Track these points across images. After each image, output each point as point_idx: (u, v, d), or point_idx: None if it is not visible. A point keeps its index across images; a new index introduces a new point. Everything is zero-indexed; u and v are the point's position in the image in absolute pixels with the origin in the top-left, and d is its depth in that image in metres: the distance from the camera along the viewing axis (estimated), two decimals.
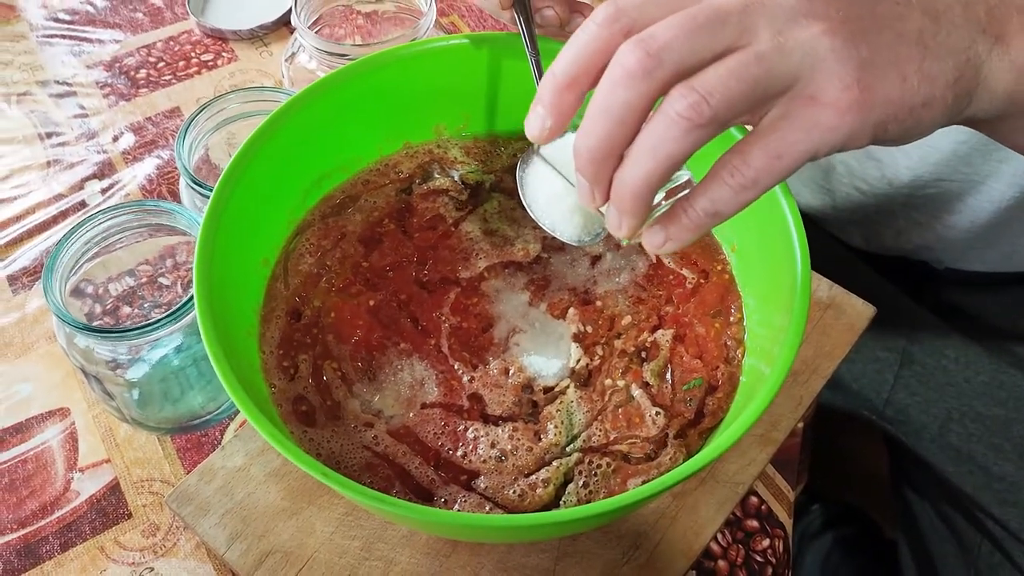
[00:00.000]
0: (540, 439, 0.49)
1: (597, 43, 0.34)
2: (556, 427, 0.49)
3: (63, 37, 0.87)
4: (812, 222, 0.85)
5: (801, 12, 0.33)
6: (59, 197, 0.74)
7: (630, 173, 0.34)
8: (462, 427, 0.49)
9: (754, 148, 0.34)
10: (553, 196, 0.47)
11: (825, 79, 0.33)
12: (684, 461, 0.47)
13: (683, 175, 0.40)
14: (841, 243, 0.86)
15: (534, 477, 0.47)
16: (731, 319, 0.52)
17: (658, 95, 0.33)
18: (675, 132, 0.32)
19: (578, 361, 0.51)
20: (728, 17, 0.33)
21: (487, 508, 0.46)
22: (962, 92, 0.36)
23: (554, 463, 0.48)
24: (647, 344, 0.52)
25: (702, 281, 0.54)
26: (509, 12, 0.50)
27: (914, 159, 0.73)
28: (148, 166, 0.76)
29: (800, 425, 0.59)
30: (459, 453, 0.48)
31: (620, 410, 0.50)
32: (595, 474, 0.47)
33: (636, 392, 0.50)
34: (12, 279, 0.69)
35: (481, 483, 0.47)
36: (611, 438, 0.49)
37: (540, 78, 0.50)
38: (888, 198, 0.78)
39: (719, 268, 0.54)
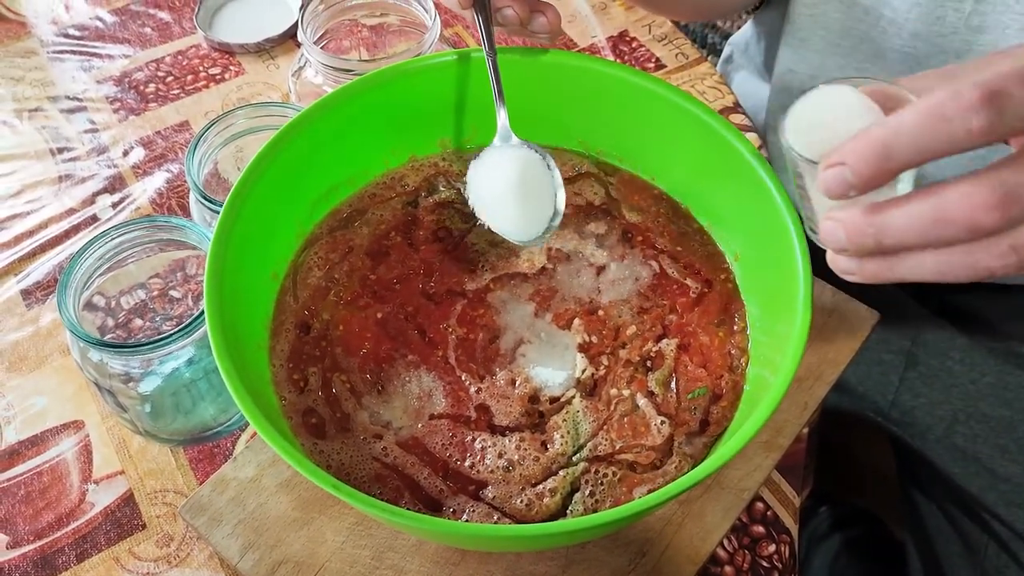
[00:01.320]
0: (547, 449, 0.49)
1: (955, 148, 0.31)
2: (562, 437, 0.50)
3: (73, 53, 0.88)
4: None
5: None
6: (71, 212, 0.75)
7: (902, 270, 0.33)
8: (470, 438, 0.50)
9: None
10: (498, 196, 0.49)
11: None
12: (689, 469, 0.48)
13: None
14: None
15: (541, 487, 0.48)
16: (735, 328, 0.53)
17: None
18: (968, 275, 0.32)
19: (583, 371, 0.52)
20: None
21: (495, 518, 0.47)
22: None
23: (561, 472, 0.48)
24: (652, 354, 0.52)
25: (706, 290, 0.55)
26: (469, 11, 0.50)
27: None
28: (158, 180, 0.77)
29: (805, 431, 0.60)
30: (467, 463, 0.49)
31: (625, 419, 0.50)
32: (601, 483, 0.48)
33: (641, 401, 0.51)
34: (26, 293, 0.70)
35: (489, 493, 0.48)
36: (617, 447, 0.49)
37: (495, 76, 0.52)
38: None
39: (722, 277, 0.55)
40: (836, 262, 0.36)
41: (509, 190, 0.52)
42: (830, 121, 0.36)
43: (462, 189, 0.51)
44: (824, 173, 0.33)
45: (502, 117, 0.53)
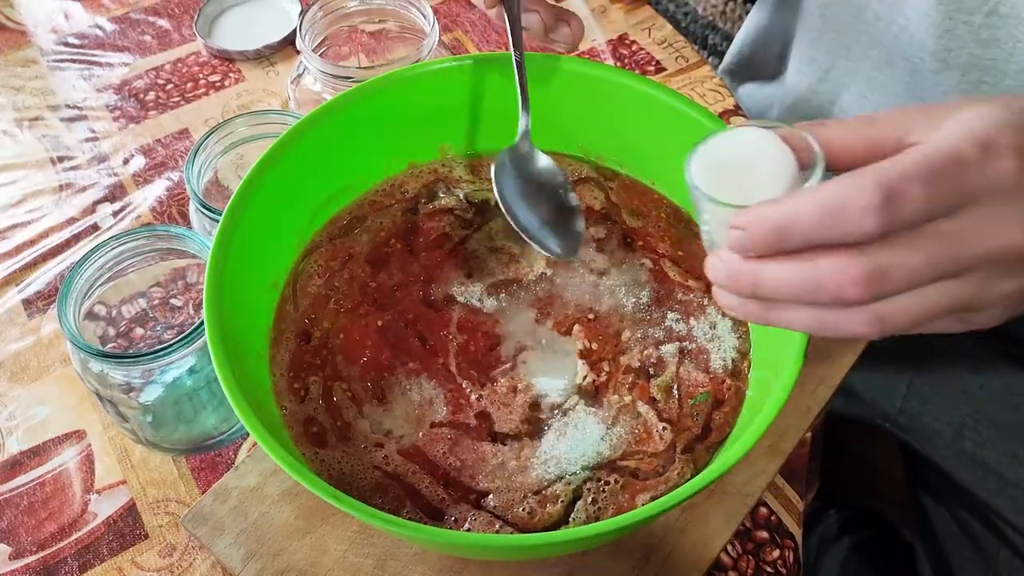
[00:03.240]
0: (548, 456, 0.49)
1: (845, 240, 0.33)
2: (564, 444, 0.49)
3: (73, 61, 0.88)
4: None
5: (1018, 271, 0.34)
6: (72, 221, 0.75)
7: (781, 319, 0.35)
8: (471, 445, 0.49)
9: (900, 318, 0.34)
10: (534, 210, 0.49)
11: (990, 317, 0.36)
12: (692, 476, 0.47)
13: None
14: None
15: (543, 494, 0.48)
16: (737, 332, 0.53)
17: None
18: (839, 331, 0.34)
19: (584, 378, 0.52)
20: (960, 269, 0.33)
21: (497, 526, 0.47)
22: None
23: (563, 480, 0.48)
24: (653, 359, 0.52)
25: (707, 295, 0.55)
26: (496, 10, 0.50)
27: None
28: (158, 188, 0.77)
29: (808, 435, 0.59)
30: (468, 472, 0.49)
31: (627, 426, 0.50)
32: (604, 491, 0.48)
33: (643, 408, 0.50)
34: (27, 303, 0.70)
35: (491, 501, 0.48)
36: (619, 454, 0.49)
37: (520, 78, 0.51)
38: None
39: None
40: (719, 296, 0.38)
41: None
42: (739, 162, 0.38)
43: (493, 193, 0.49)
44: (729, 232, 0.35)
45: (524, 121, 0.52)
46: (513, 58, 0.51)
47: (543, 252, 0.50)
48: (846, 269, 0.32)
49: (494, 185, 0.51)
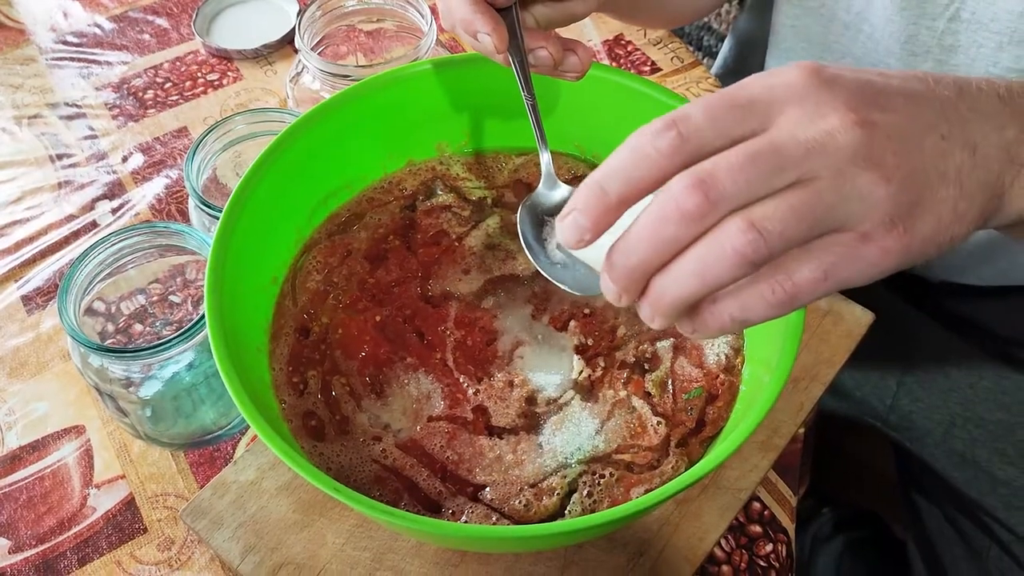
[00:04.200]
0: (544, 450, 0.50)
1: (654, 171, 0.33)
2: (560, 438, 0.50)
3: (72, 59, 0.89)
4: None
5: (860, 156, 0.33)
6: (71, 218, 0.75)
7: (672, 288, 0.34)
8: (468, 439, 0.50)
9: (804, 266, 0.33)
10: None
11: (877, 222, 0.33)
12: (686, 469, 0.48)
13: None
14: None
15: (539, 487, 0.48)
16: None
17: (708, 228, 0.33)
18: (727, 264, 0.32)
19: (580, 372, 0.52)
20: (788, 162, 0.32)
21: (494, 519, 0.47)
22: (983, 223, 0.37)
23: (558, 473, 0.49)
24: (648, 355, 0.53)
25: None
26: (504, 55, 0.50)
27: None
28: (157, 185, 0.77)
29: (801, 431, 0.60)
30: (465, 465, 0.49)
31: (623, 420, 0.51)
32: (599, 484, 0.48)
33: (638, 402, 0.51)
34: (26, 299, 0.70)
35: (487, 494, 0.48)
36: (614, 448, 0.50)
37: (536, 119, 0.50)
38: None
39: None
40: (642, 311, 0.37)
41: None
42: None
43: (520, 236, 0.48)
44: (560, 224, 0.35)
45: (545, 160, 0.50)
46: (526, 102, 0.50)
47: (571, 292, 0.46)
48: (673, 186, 0.32)
49: (519, 230, 0.49)
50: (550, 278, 0.45)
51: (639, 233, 0.33)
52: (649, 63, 0.89)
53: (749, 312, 0.34)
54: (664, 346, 0.53)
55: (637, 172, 0.33)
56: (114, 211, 0.76)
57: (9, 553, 0.57)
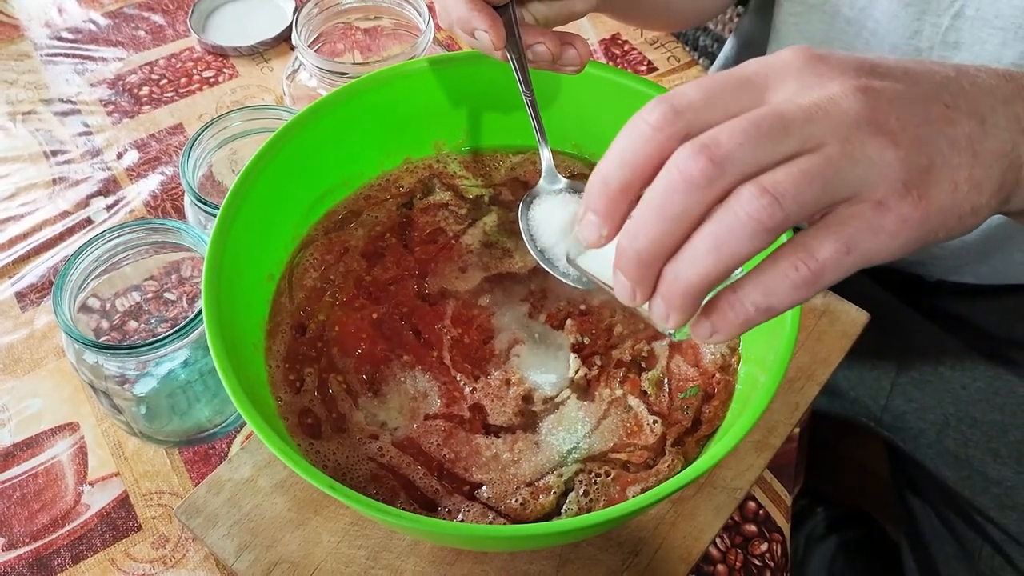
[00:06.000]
0: (541, 449, 0.50)
1: (650, 147, 0.32)
2: (556, 437, 0.50)
3: (67, 56, 0.88)
4: None
5: (864, 120, 0.32)
6: (65, 214, 0.75)
7: (687, 271, 0.32)
8: (465, 437, 0.50)
9: (824, 241, 0.32)
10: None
11: (891, 188, 0.32)
12: (682, 468, 0.48)
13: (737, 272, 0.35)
14: None
15: (535, 486, 0.48)
16: None
17: (717, 202, 0.32)
18: (743, 233, 0.31)
19: (577, 371, 0.52)
20: (792, 125, 0.31)
21: (490, 517, 0.47)
22: (1004, 197, 0.36)
23: (555, 472, 0.49)
24: (644, 353, 0.53)
25: None
26: (501, 52, 0.50)
27: None
28: (152, 182, 0.77)
29: (797, 431, 0.60)
30: (462, 463, 0.49)
31: (619, 419, 0.51)
32: (595, 483, 0.48)
33: (634, 401, 0.51)
34: (20, 296, 0.70)
35: (484, 493, 0.48)
36: (610, 447, 0.50)
37: (534, 115, 0.50)
38: None
39: None
40: (655, 309, 0.35)
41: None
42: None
43: (522, 231, 0.48)
44: (579, 226, 0.35)
45: (546, 155, 0.50)
46: (525, 98, 0.50)
47: (573, 286, 0.47)
48: (678, 156, 0.31)
49: (520, 225, 0.49)
50: (551, 272, 0.45)
51: (645, 212, 0.32)
52: (646, 63, 0.89)
53: (773, 297, 0.32)
54: (660, 345, 0.53)
55: (633, 152, 0.32)
56: (109, 208, 0.76)
57: (3, 550, 0.57)
